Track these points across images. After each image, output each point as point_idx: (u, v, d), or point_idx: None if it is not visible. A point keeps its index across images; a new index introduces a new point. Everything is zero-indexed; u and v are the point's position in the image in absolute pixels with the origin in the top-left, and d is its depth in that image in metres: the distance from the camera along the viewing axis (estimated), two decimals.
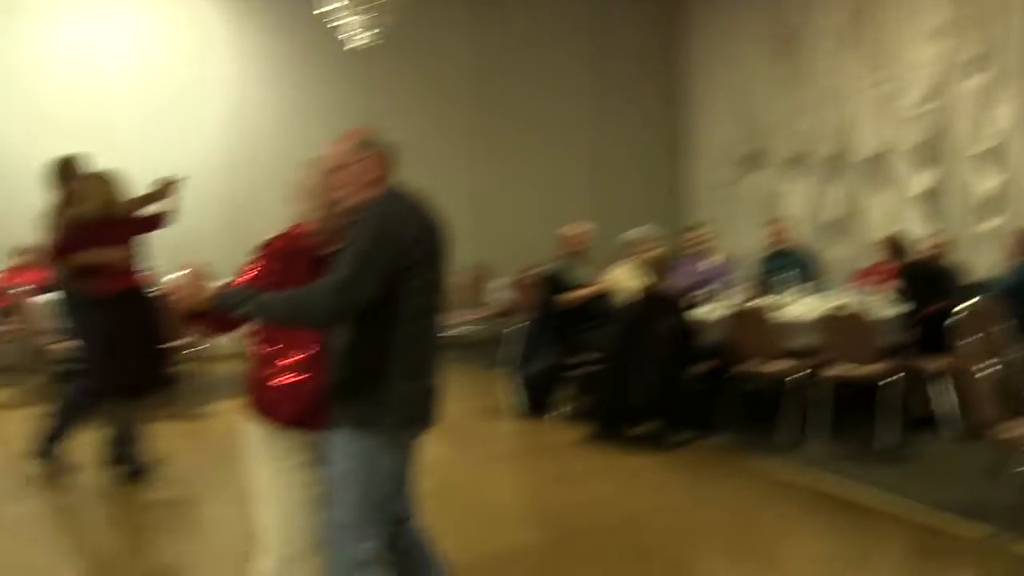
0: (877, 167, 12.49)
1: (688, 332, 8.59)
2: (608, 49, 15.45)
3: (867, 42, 12.58)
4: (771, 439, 8.35)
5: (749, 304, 8.78)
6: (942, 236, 10.05)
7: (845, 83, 12.83)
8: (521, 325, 10.39)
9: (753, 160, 14.37)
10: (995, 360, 6.05)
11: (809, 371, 8.38)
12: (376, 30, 11.61)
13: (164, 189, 7.64)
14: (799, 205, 13.57)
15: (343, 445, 3.86)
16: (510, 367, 10.14)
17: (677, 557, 5.97)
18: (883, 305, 8.85)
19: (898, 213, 12.14)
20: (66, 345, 8.65)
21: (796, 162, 13.65)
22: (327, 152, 3.99)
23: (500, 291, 12.55)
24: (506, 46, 14.98)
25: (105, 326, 7.21)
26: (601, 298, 9.38)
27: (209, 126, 13.42)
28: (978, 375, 5.96)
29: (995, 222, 11.28)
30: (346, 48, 11.97)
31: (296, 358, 3.98)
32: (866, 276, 10.18)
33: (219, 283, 3.84)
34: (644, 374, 8.29)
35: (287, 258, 4.02)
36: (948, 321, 6.16)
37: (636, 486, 7.46)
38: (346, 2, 11.06)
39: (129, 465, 7.70)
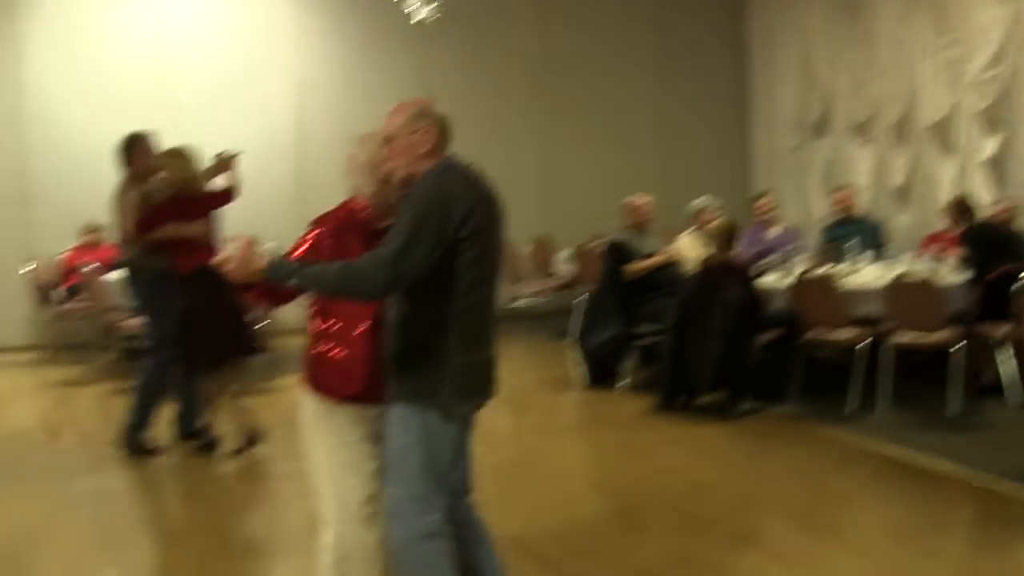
0: (943, 133, 12.31)
1: (755, 301, 8.54)
2: (674, 14, 15.27)
3: (934, 6, 12.38)
4: (838, 408, 8.30)
5: (815, 272, 8.71)
6: (1009, 201, 9.91)
7: (911, 48, 12.64)
8: (586, 296, 10.39)
9: (819, 127, 14.21)
10: None
11: (875, 339, 8.32)
12: (439, 2, 11.63)
13: (224, 163, 7.71)
14: (864, 172, 13.41)
15: (400, 419, 3.87)
16: (575, 338, 10.15)
17: (742, 527, 5.97)
18: (949, 272, 8.76)
19: (964, 179, 11.98)
20: (136, 322, 8.76)
21: (862, 128, 13.49)
22: (381, 125, 4.00)
23: (566, 262, 12.54)
24: (571, 14, 14.85)
25: (188, 300, 7.28)
26: (667, 268, 9.36)
27: (275, 104, 13.52)
28: None
29: None
30: (412, 22, 12.01)
31: (351, 332, 4.01)
32: (932, 243, 10.06)
33: (271, 254, 3.85)
34: (709, 344, 8.26)
35: (340, 232, 4.03)
36: (1014, 287, 6.08)
37: (702, 456, 7.46)
38: None
39: (201, 439, 7.81)
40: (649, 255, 9.44)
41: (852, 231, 10.24)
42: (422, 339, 3.83)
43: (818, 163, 14.22)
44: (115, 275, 9.69)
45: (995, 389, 8.32)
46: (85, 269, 10.89)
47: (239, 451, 7.58)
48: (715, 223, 8.78)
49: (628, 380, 9.58)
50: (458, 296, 3.79)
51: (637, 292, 9.38)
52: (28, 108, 12.63)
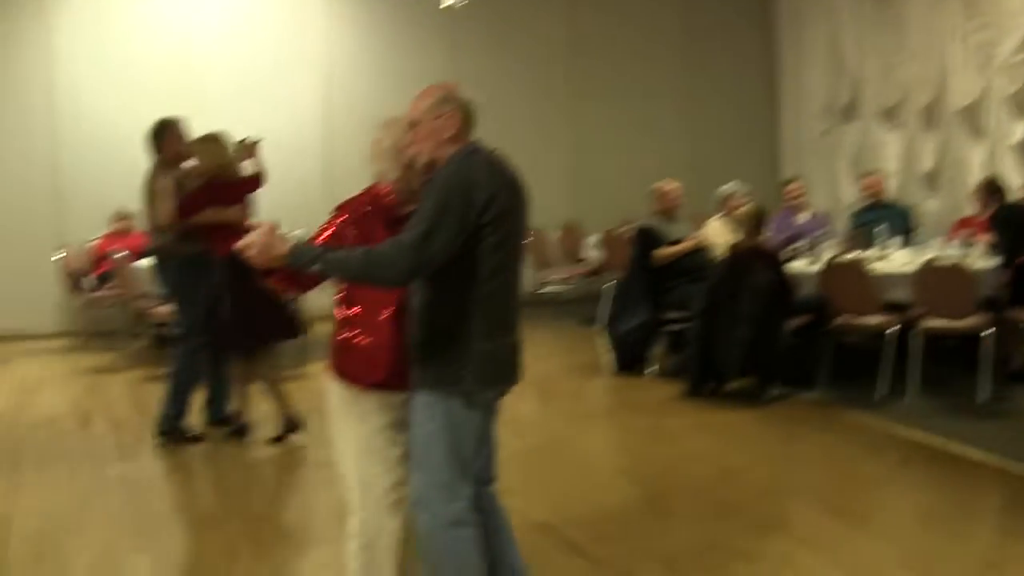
0: (973, 117, 12.23)
1: (785, 286, 8.52)
2: None
3: None
4: (867, 394, 8.28)
5: (845, 258, 8.68)
6: None
7: (941, 31, 12.55)
8: (615, 282, 10.38)
9: (847, 111, 14.14)
10: None
11: (905, 325, 8.29)
12: None
13: (248, 149, 7.72)
14: (893, 157, 13.33)
15: (424, 406, 3.87)
16: (604, 324, 10.15)
17: (771, 513, 5.97)
18: (979, 257, 8.71)
19: (994, 163, 11.89)
20: (165, 309, 8.80)
21: (891, 113, 13.41)
22: (406, 110, 3.98)
23: (594, 248, 12.53)
24: None
25: (226, 285, 7.29)
26: (695, 254, 9.33)
27: (303, 93, 13.56)
28: None
29: None
30: (440, 7, 12.00)
31: (375, 319, 4.02)
32: (961, 228, 10.00)
33: (293, 240, 3.86)
34: (738, 330, 8.24)
35: (365, 218, 4.03)
36: None
37: (730, 442, 7.45)
38: None
39: (231, 425, 7.86)
40: (677, 241, 9.42)
41: (881, 216, 10.19)
42: (445, 326, 3.82)
43: (847, 148, 14.15)
44: (145, 262, 9.73)
45: None
46: (116, 256, 10.96)
47: (278, 438, 7.61)
48: (743, 208, 8.76)
49: (656, 366, 9.58)
50: (481, 282, 3.78)
51: (666, 278, 9.37)
52: (59, 99, 12.71)
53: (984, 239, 8.99)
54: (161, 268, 7.82)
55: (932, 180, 12.81)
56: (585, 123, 14.76)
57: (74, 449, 7.83)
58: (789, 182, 11.13)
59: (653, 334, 9.61)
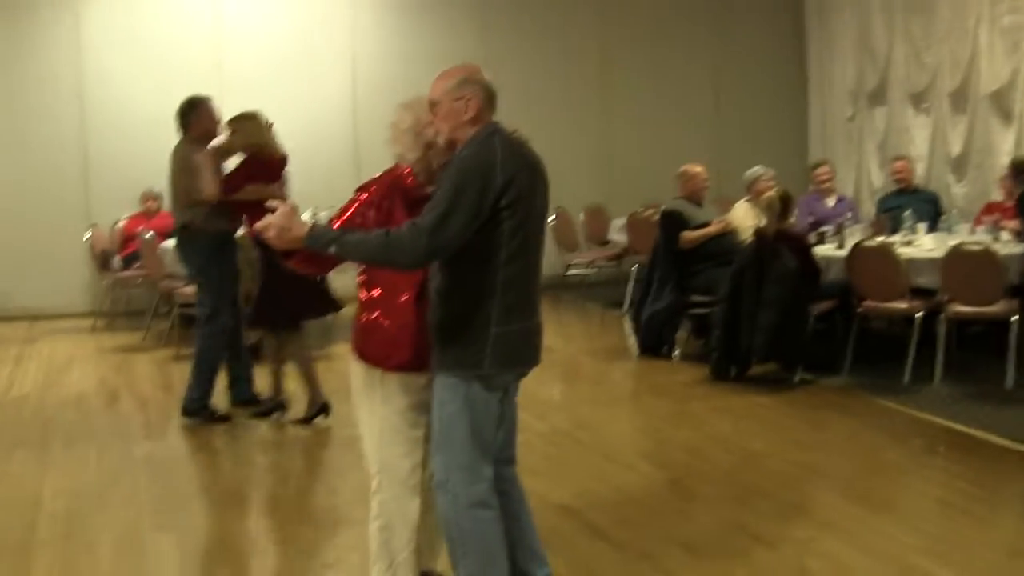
0: (1002, 101, 12.13)
1: (811, 271, 8.49)
2: None
3: None
4: (892, 379, 8.24)
5: (873, 242, 8.64)
6: None
7: (969, 15, 12.46)
8: (640, 265, 10.37)
9: (875, 95, 14.05)
10: None
11: (931, 310, 8.25)
12: None
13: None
14: (921, 141, 13.25)
15: (444, 389, 3.88)
16: (629, 308, 10.14)
17: (793, 498, 5.96)
18: (1006, 243, 8.66)
19: (1023, 148, 11.80)
20: (192, 289, 8.84)
21: (919, 97, 13.32)
22: (427, 91, 3.97)
23: (620, 231, 12.50)
24: None
25: (264, 261, 7.29)
26: (722, 238, 9.30)
27: (331, 77, 13.55)
28: None
29: None
30: None
31: (396, 301, 4.04)
32: (991, 213, 9.94)
33: (311, 221, 3.87)
34: (763, 314, 8.22)
35: (385, 199, 4.05)
36: None
37: (754, 426, 7.44)
38: None
39: (257, 406, 7.90)
40: (704, 224, 9.39)
41: (909, 202, 10.14)
42: (464, 309, 3.82)
43: (874, 132, 14.07)
44: (170, 242, 9.76)
45: None
46: (143, 237, 11.01)
47: (306, 420, 7.64)
48: (770, 193, 8.72)
49: (680, 350, 9.57)
50: (500, 265, 3.79)
51: (691, 262, 9.34)
52: (88, 82, 12.77)
53: (1012, 225, 8.94)
54: (186, 247, 7.81)
55: (960, 165, 12.73)
56: (614, 106, 14.71)
57: (101, 428, 7.89)
58: (818, 166, 11.08)
59: (678, 318, 9.59)
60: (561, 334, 10.87)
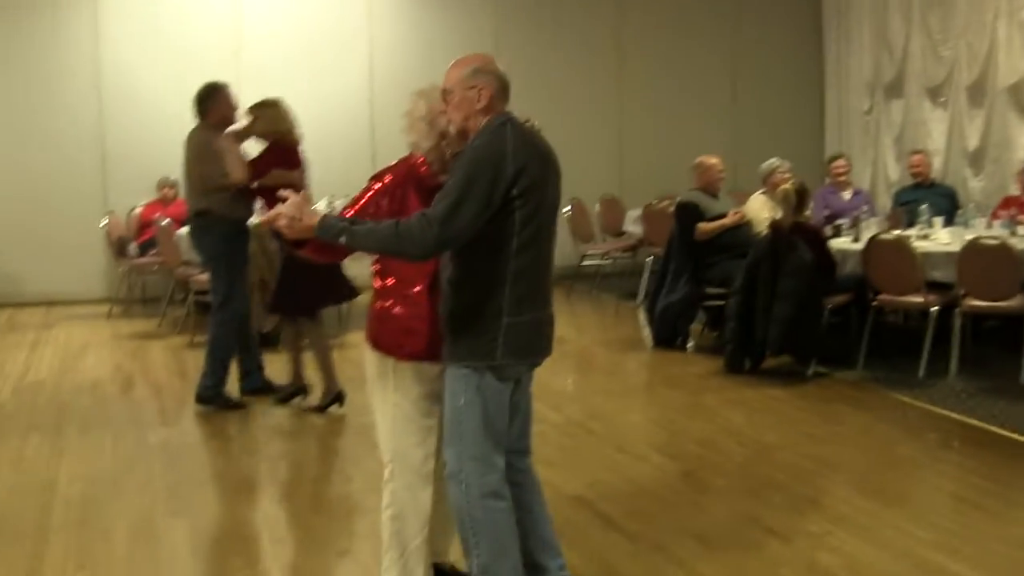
0: (1020, 95, 12.10)
1: (827, 264, 8.47)
2: None
3: None
4: (906, 373, 8.23)
5: (888, 236, 8.61)
6: None
7: (988, 9, 12.41)
8: (655, 256, 10.35)
9: (892, 89, 14.01)
10: None
11: (947, 305, 8.24)
12: None
13: None
14: (940, 135, 13.21)
15: (456, 380, 3.88)
16: (643, 299, 10.13)
17: (806, 491, 5.95)
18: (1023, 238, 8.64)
19: None
20: (207, 276, 8.86)
21: (937, 91, 13.28)
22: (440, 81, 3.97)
23: (635, 222, 12.49)
24: None
25: (284, 250, 7.30)
26: (737, 229, 9.28)
27: (349, 66, 13.59)
28: None
29: None
30: None
31: (410, 291, 4.04)
32: (1007, 207, 9.91)
33: (322, 211, 3.87)
34: (777, 307, 8.20)
35: (399, 187, 4.06)
36: None
37: (767, 419, 7.43)
38: None
39: (273, 393, 7.93)
40: (719, 216, 9.37)
41: (925, 196, 10.12)
42: (476, 299, 3.82)
43: (891, 125, 14.03)
44: (186, 229, 9.78)
45: None
46: (161, 223, 11.04)
47: (321, 408, 7.66)
48: (786, 185, 8.70)
49: (695, 342, 9.57)
50: (511, 255, 3.78)
51: (707, 254, 9.33)
52: (106, 71, 12.84)
53: None
54: (201, 234, 7.78)
55: (977, 159, 12.69)
56: (631, 96, 14.70)
57: (116, 414, 7.91)
58: (834, 159, 11.07)
59: (692, 310, 9.59)
60: (575, 325, 10.87)
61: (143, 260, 12.02)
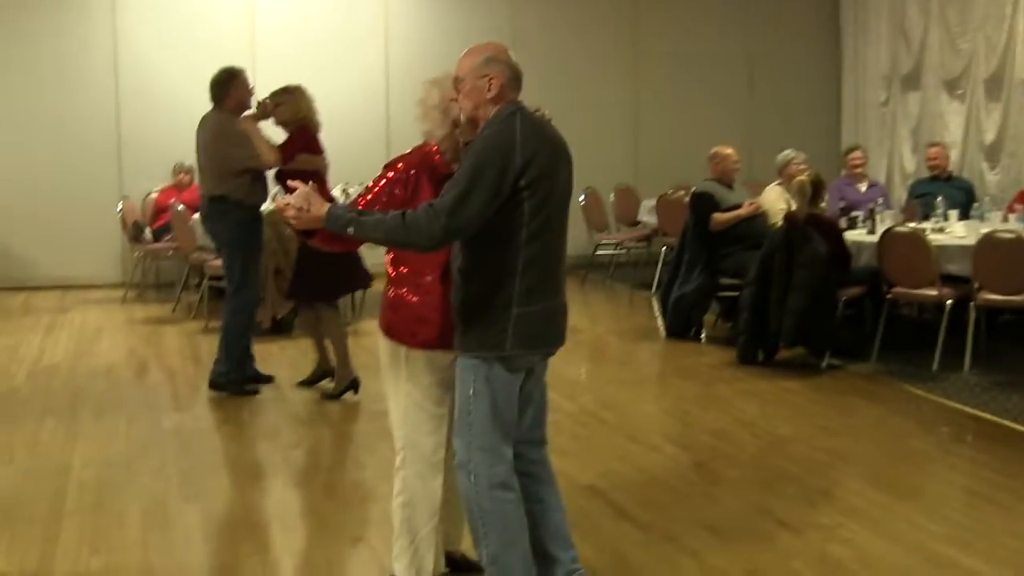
0: None
1: (842, 256, 8.45)
2: None
3: None
4: (920, 366, 8.22)
5: (904, 228, 8.59)
6: None
7: (1006, 1, 12.35)
8: (669, 246, 10.34)
9: (909, 81, 13.97)
10: None
11: (961, 298, 8.22)
12: None
13: (265, 110, 7.70)
14: (957, 127, 13.17)
15: (466, 370, 3.88)
16: (657, 289, 10.12)
17: (818, 483, 5.95)
18: None
19: None
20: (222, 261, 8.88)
21: (954, 83, 13.24)
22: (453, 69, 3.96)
23: (650, 212, 12.48)
24: None
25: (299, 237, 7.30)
26: (752, 220, 9.26)
27: (365, 55, 13.62)
28: None
29: None
30: None
31: (422, 279, 4.05)
32: (1022, 201, 9.88)
33: (331, 201, 3.88)
34: (791, 298, 8.19)
35: (412, 177, 4.06)
36: None
37: (780, 411, 7.43)
38: None
39: (264, 381, 7.97)
40: (734, 207, 9.35)
41: (941, 189, 10.09)
42: (485, 289, 3.82)
43: (908, 118, 13.99)
44: (197, 216, 9.78)
45: None
46: (175, 209, 11.07)
47: (335, 395, 7.68)
48: (801, 176, 8.68)
49: (708, 332, 9.56)
50: (521, 245, 3.78)
51: (721, 244, 9.31)
52: (122, 58, 12.90)
53: None
54: (217, 219, 7.76)
55: (994, 152, 12.64)
56: (646, 86, 14.68)
57: (131, 399, 7.94)
58: (851, 150, 11.04)
59: (706, 300, 9.58)
60: (589, 315, 10.87)
61: (158, 245, 12.05)
